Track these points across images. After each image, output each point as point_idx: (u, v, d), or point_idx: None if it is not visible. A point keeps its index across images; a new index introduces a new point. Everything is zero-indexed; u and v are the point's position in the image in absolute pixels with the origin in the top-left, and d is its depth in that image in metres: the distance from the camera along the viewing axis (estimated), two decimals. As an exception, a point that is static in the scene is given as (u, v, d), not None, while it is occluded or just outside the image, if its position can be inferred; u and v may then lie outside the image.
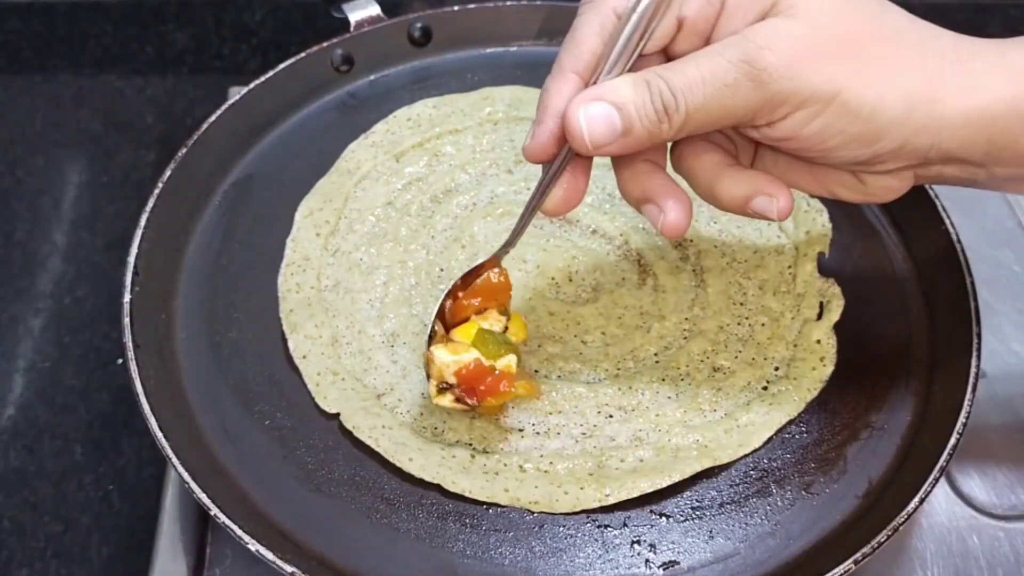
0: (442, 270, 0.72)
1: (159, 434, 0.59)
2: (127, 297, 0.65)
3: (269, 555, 0.55)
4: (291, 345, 0.67)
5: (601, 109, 0.49)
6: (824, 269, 0.72)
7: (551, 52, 0.87)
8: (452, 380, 0.59)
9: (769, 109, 0.48)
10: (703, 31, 0.50)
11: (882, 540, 0.55)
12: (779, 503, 0.61)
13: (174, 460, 0.58)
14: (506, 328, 0.62)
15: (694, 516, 0.60)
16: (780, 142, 0.51)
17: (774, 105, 0.48)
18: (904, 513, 0.56)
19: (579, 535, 0.59)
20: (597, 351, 0.67)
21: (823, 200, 0.75)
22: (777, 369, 0.67)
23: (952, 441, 0.59)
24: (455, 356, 0.59)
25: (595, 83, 0.50)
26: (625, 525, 0.59)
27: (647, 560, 0.58)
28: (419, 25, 0.85)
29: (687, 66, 0.48)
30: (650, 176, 0.53)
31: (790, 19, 0.47)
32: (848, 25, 0.48)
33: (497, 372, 0.59)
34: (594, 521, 0.60)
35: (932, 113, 0.48)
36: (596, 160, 0.79)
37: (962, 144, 0.50)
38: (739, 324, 0.69)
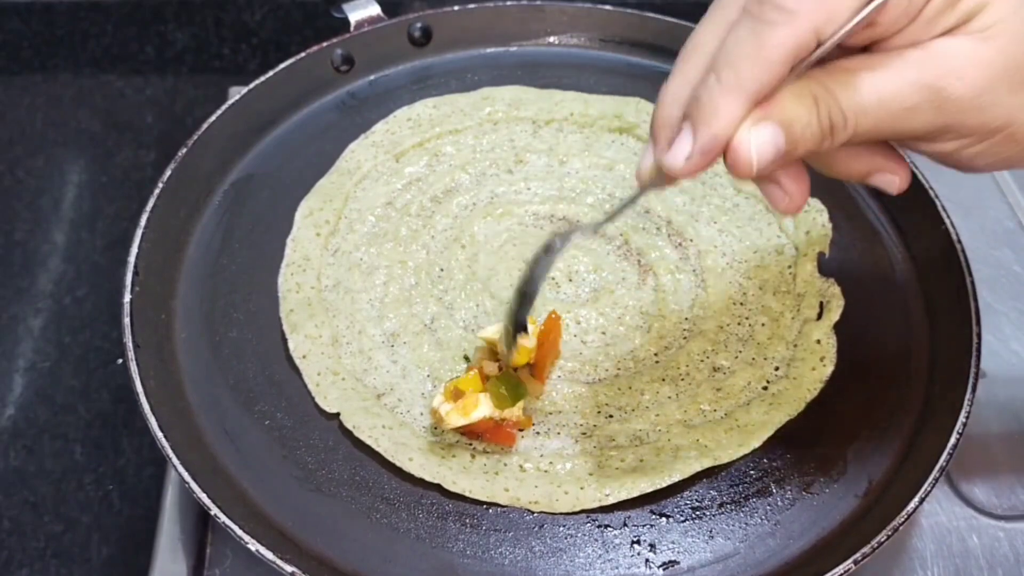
0: (442, 270, 0.72)
1: (159, 434, 0.59)
2: (127, 297, 0.65)
3: (269, 555, 0.55)
4: (291, 345, 0.67)
5: (768, 133, 0.43)
6: (824, 269, 0.72)
7: (551, 52, 0.88)
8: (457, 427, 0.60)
9: (936, 134, 0.46)
10: (884, 34, 0.44)
11: (882, 540, 0.55)
12: (779, 503, 0.61)
13: (174, 460, 0.58)
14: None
15: (694, 516, 0.60)
16: (924, 154, 0.48)
17: (943, 131, 0.45)
18: (904, 513, 0.56)
19: (579, 535, 0.59)
20: (597, 351, 0.67)
21: (823, 200, 0.75)
22: (777, 369, 0.67)
23: (952, 441, 0.59)
24: (464, 418, 0.59)
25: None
26: (625, 525, 0.59)
27: (647, 560, 0.58)
28: (419, 25, 0.85)
29: (861, 83, 0.43)
30: None
31: (983, 44, 0.43)
32: None
33: (503, 420, 0.61)
34: (594, 521, 0.60)
35: None
36: (595, 160, 0.79)
37: None
38: (739, 324, 0.69)
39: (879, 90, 0.43)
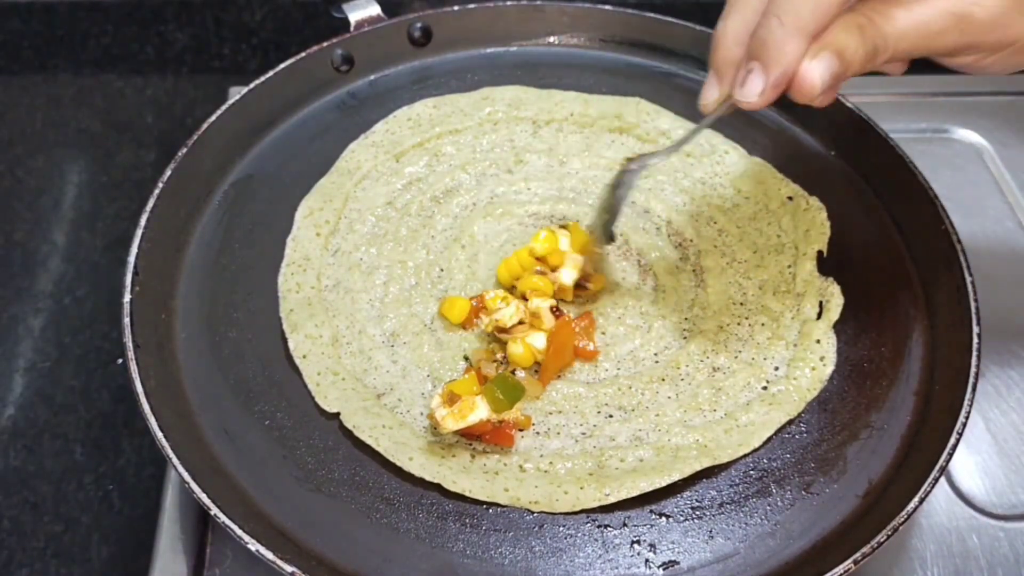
0: (442, 270, 0.72)
1: (159, 434, 0.59)
2: (127, 297, 0.65)
3: (269, 555, 0.55)
4: (291, 345, 0.67)
5: (826, 62, 0.52)
6: (824, 268, 0.72)
7: (551, 52, 0.88)
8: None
9: (960, 50, 0.54)
10: None
11: (882, 540, 0.55)
12: (779, 503, 0.61)
13: (174, 460, 0.58)
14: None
15: (694, 516, 0.60)
16: (946, 64, 0.57)
17: (966, 48, 0.54)
18: (904, 513, 0.56)
19: (579, 535, 0.59)
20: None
21: (822, 199, 0.75)
22: (777, 369, 0.67)
23: (952, 441, 0.59)
24: (460, 422, 0.59)
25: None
26: (625, 525, 0.59)
27: (647, 560, 0.58)
28: (419, 25, 0.85)
29: (899, 13, 0.52)
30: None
31: None
32: None
33: (502, 422, 0.61)
34: (594, 521, 0.60)
35: None
36: (595, 160, 0.79)
37: None
38: (739, 324, 0.69)
39: (914, 19, 0.52)
